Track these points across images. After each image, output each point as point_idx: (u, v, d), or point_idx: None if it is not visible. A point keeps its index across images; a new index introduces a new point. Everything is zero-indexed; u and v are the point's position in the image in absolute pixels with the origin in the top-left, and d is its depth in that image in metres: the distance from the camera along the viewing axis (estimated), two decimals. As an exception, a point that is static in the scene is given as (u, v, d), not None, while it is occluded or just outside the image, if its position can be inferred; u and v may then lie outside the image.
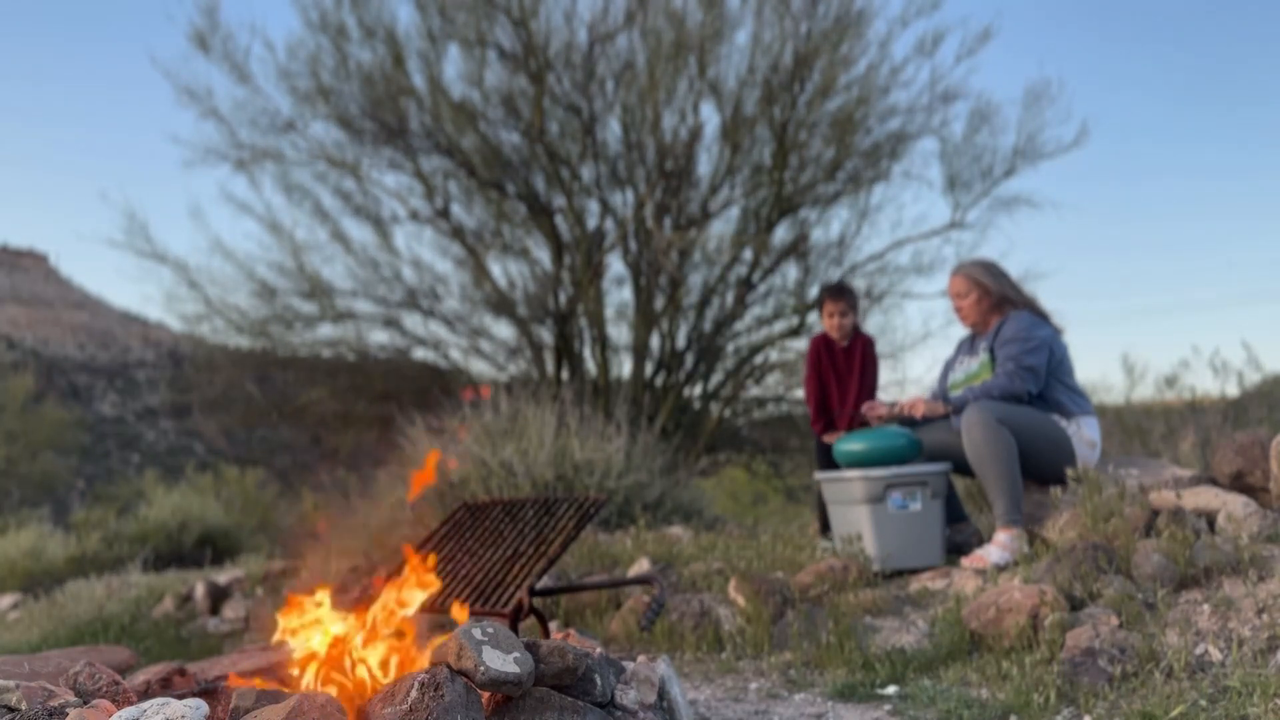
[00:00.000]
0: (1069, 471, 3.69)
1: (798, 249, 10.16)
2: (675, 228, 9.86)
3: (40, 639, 5.94)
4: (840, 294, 4.41)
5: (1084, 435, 3.92)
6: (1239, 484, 3.58)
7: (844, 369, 4.43)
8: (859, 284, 10.49)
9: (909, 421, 4.26)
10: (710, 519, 6.75)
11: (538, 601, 2.99)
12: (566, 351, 10.23)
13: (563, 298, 10.22)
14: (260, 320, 10.51)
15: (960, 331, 4.41)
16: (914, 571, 3.86)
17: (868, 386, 4.45)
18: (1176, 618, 2.86)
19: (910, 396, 4.09)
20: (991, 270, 4.16)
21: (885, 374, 10.02)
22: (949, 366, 4.40)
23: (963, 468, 4.03)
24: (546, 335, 10.43)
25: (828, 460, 4.35)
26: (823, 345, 4.48)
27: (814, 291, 10.23)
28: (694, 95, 9.74)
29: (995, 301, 4.12)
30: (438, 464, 2.82)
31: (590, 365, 10.33)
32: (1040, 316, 4.05)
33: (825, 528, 4.44)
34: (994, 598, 3.14)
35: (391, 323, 10.68)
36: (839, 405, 4.41)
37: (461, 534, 3.35)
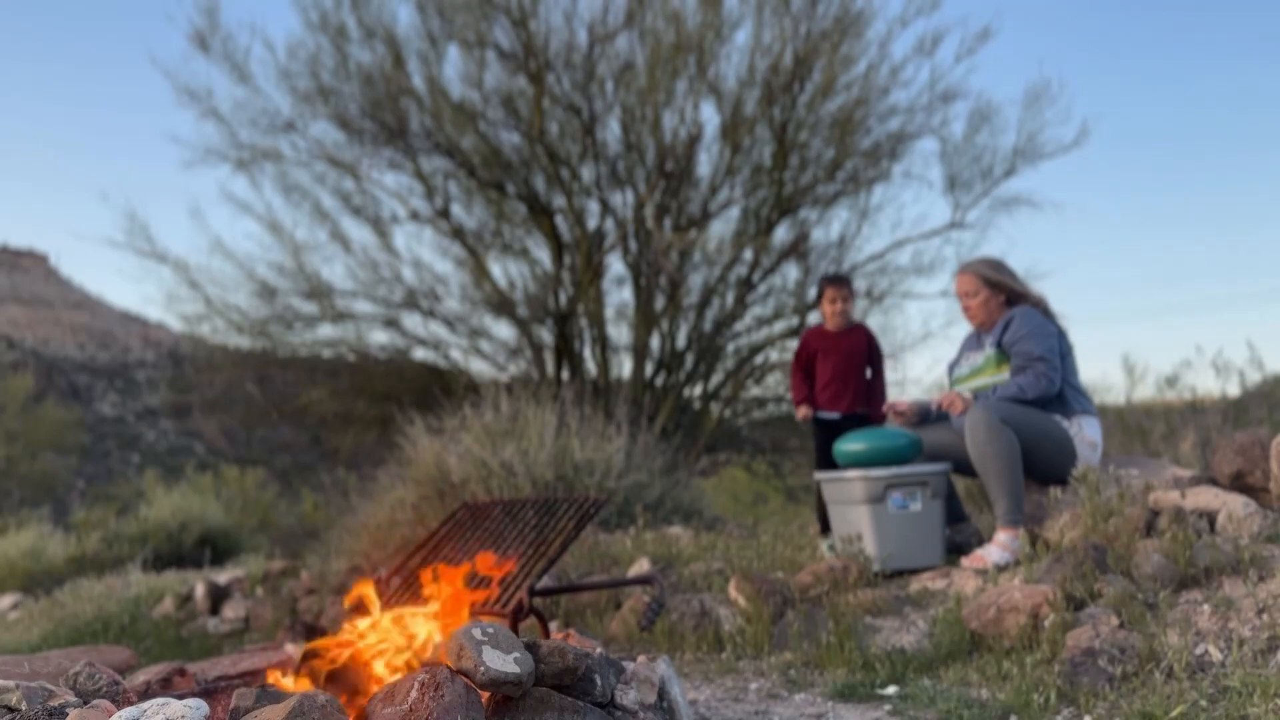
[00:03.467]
0: (1073, 472, 3.69)
1: (798, 249, 10.15)
2: (675, 228, 9.85)
3: (40, 639, 5.94)
4: (841, 281, 4.57)
5: (1085, 436, 3.92)
6: (1239, 484, 3.58)
7: (833, 346, 4.53)
8: (859, 284, 10.49)
9: (931, 417, 4.29)
10: (710, 519, 6.75)
11: (538, 601, 2.98)
12: (567, 352, 10.22)
13: (563, 298, 10.22)
14: (260, 320, 10.51)
15: (962, 331, 4.41)
16: (914, 571, 3.85)
17: (880, 375, 4.61)
18: (1177, 618, 2.86)
19: (947, 394, 4.08)
20: (999, 269, 4.16)
21: (887, 374, 10.04)
22: (954, 363, 4.39)
23: (963, 468, 4.03)
24: (546, 335, 10.42)
25: (827, 457, 4.37)
26: (814, 336, 4.56)
27: (814, 292, 10.22)
28: (694, 95, 9.74)
29: (1004, 300, 4.12)
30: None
31: (590, 365, 10.32)
32: (1044, 314, 4.05)
33: (826, 528, 4.44)
34: (994, 598, 3.14)
35: (391, 323, 10.67)
36: (833, 385, 4.48)
37: (462, 534, 3.34)
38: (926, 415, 4.28)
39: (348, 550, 6.20)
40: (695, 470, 8.66)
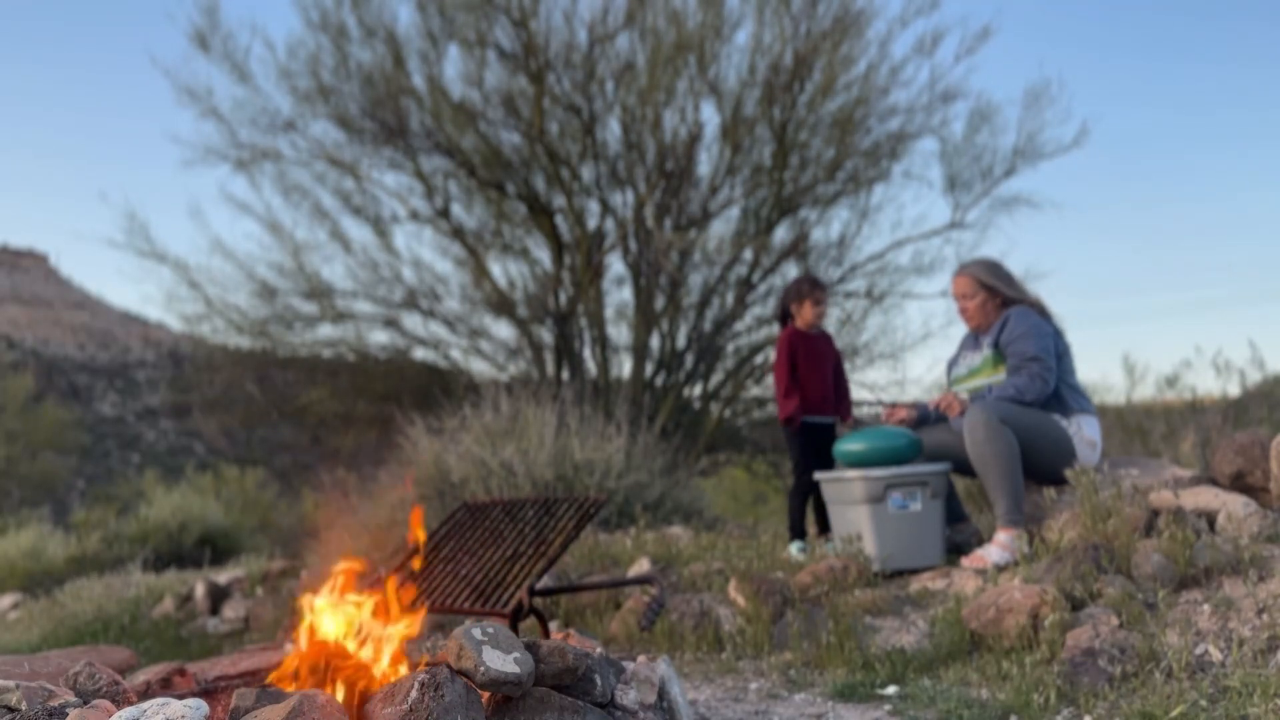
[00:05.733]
0: (1067, 471, 3.69)
1: (798, 249, 10.15)
2: (675, 228, 9.85)
3: (40, 639, 5.94)
4: (825, 288, 4.62)
5: (1084, 435, 3.92)
6: (1239, 484, 3.58)
7: (819, 350, 4.56)
8: (859, 284, 10.50)
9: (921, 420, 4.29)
10: (710, 519, 6.75)
11: (538, 601, 2.98)
12: (566, 351, 10.22)
13: (563, 298, 10.22)
14: (260, 320, 10.51)
15: (962, 330, 4.41)
16: (914, 571, 3.85)
17: (844, 378, 4.69)
18: (1177, 618, 2.86)
19: (944, 396, 4.08)
20: (996, 271, 4.15)
21: (885, 374, 10.04)
22: (953, 363, 4.39)
23: (963, 468, 4.03)
24: (546, 335, 10.42)
25: (808, 453, 4.40)
26: (798, 338, 4.54)
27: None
28: (694, 95, 9.74)
29: (1000, 302, 4.12)
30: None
31: (590, 365, 10.32)
32: (1041, 314, 4.05)
33: (826, 527, 4.45)
34: (994, 598, 3.14)
35: (391, 323, 10.67)
36: (822, 388, 4.49)
37: (461, 534, 3.35)
38: (925, 418, 4.28)
39: (348, 550, 6.19)
40: (695, 470, 8.65)
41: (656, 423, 8.91)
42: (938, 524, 3.89)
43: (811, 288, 4.56)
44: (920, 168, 12.41)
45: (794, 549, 4.35)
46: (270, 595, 6.00)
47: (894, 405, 4.36)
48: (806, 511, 4.51)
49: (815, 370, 4.49)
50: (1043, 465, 3.85)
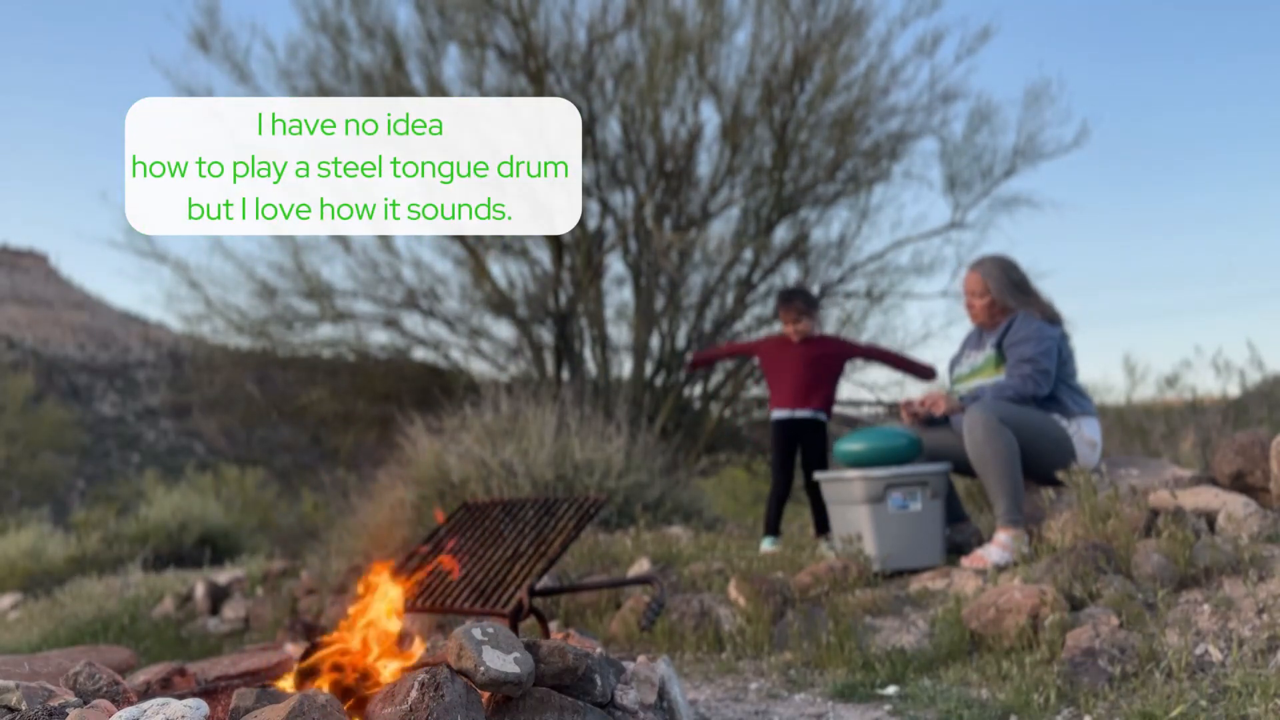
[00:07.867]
0: (1059, 474, 3.69)
1: (798, 249, 10.15)
2: (675, 228, 9.84)
3: (40, 639, 5.95)
4: (789, 304, 4.72)
5: (1084, 435, 3.92)
6: (1239, 484, 3.58)
7: (789, 357, 4.71)
8: (859, 284, 10.48)
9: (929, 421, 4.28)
10: (710, 519, 6.75)
11: (538, 601, 2.98)
12: (566, 351, 10.22)
13: (563, 298, 10.21)
14: (260, 320, 10.50)
15: (961, 330, 4.42)
16: (914, 571, 3.85)
17: (886, 354, 5.09)
18: (1176, 618, 2.86)
19: (931, 393, 4.09)
20: (1008, 276, 4.12)
21: (885, 374, 9.97)
22: (955, 361, 4.39)
23: (963, 468, 4.03)
24: (546, 335, 10.41)
25: (778, 451, 4.64)
26: (774, 345, 4.82)
27: (814, 291, 10.21)
28: (694, 95, 9.73)
29: (1007, 308, 4.11)
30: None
31: (590, 365, 10.32)
32: (1051, 319, 4.04)
33: (823, 528, 4.46)
34: (994, 598, 3.14)
35: (391, 323, 10.66)
36: (785, 389, 4.68)
37: (461, 534, 3.34)
38: (933, 417, 4.26)
39: (348, 550, 6.20)
40: (695, 470, 8.65)
41: (656, 423, 8.91)
42: (938, 524, 3.89)
43: (779, 306, 4.82)
44: (920, 168, 12.39)
45: (765, 544, 4.57)
46: (270, 595, 6.00)
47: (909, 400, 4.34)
48: (782, 511, 4.73)
49: (775, 374, 4.73)
50: (1043, 465, 3.85)
